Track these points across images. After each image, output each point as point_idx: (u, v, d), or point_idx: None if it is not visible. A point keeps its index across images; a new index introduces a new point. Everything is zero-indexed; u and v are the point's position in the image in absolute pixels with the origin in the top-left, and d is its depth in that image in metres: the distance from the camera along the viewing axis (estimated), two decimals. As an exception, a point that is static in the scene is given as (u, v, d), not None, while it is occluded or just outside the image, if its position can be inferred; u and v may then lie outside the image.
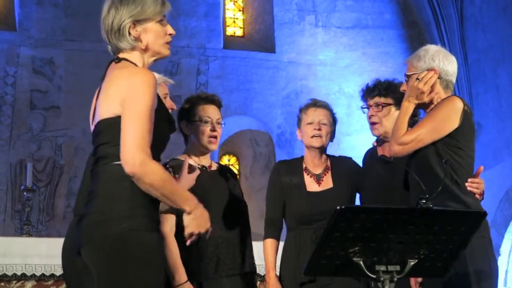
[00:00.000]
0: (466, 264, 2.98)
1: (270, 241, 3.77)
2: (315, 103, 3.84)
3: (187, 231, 2.50)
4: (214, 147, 3.54)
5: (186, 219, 2.47)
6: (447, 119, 3.14)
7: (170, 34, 2.62)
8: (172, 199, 2.42)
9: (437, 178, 3.04)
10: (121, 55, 2.57)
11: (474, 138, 3.23)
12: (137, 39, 2.55)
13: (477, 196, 3.16)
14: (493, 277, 3.06)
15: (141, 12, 2.53)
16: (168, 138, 2.62)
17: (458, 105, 3.16)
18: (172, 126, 2.66)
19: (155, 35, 2.57)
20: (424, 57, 3.26)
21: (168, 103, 3.25)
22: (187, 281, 3.23)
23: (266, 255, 3.77)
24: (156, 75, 3.22)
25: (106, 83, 2.50)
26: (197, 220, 2.49)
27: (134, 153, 2.32)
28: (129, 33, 2.53)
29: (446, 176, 3.07)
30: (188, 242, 2.54)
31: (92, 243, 2.37)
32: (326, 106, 3.86)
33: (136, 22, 2.53)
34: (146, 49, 2.58)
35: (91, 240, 2.38)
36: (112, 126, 2.42)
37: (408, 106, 3.24)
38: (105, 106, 2.46)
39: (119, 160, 2.38)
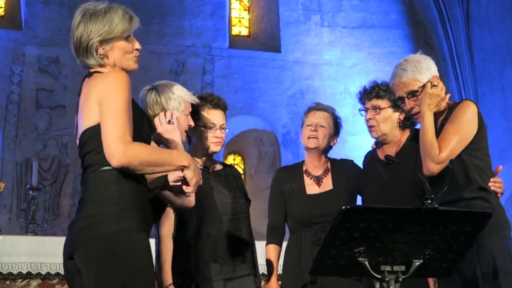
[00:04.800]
0: (491, 263, 2.99)
1: (271, 247, 3.78)
2: (316, 107, 3.84)
3: (193, 182, 2.60)
4: (218, 149, 3.53)
5: (189, 172, 2.58)
6: (470, 125, 3.15)
7: (137, 49, 2.67)
8: (168, 163, 2.53)
9: (462, 186, 3.08)
10: (92, 70, 2.63)
11: (487, 137, 3.24)
12: (104, 56, 2.61)
13: (498, 195, 3.18)
14: None
15: (109, 31, 2.60)
16: (149, 138, 2.69)
17: (473, 109, 3.18)
18: (151, 127, 2.76)
19: (122, 52, 2.63)
20: (421, 68, 3.25)
21: (189, 121, 3.25)
22: (171, 284, 3.22)
23: (267, 261, 3.78)
24: (185, 91, 3.22)
25: (83, 96, 2.58)
26: (196, 170, 2.61)
27: (115, 145, 2.40)
28: (96, 51, 2.60)
29: (472, 182, 3.10)
30: (193, 191, 2.66)
31: (84, 247, 2.44)
32: (327, 110, 3.83)
33: (103, 41, 2.60)
34: (114, 65, 2.63)
35: (82, 244, 2.45)
36: (96, 134, 2.49)
37: (430, 116, 3.19)
38: (86, 116, 2.53)
39: (105, 166, 2.47)
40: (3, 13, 9.45)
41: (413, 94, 3.26)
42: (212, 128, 3.48)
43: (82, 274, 2.46)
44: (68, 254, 2.53)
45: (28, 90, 8.83)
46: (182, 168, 2.57)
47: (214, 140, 3.49)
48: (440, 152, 3.11)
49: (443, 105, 3.23)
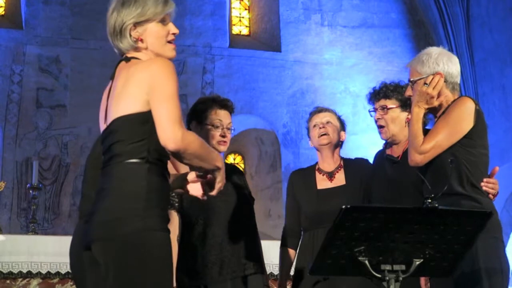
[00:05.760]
0: (477, 263, 2.98)
1: (285, 250, 3.80)
2: (318, 109, 3.90)
3: (219, 186, 2.58)
4: (223, 148, 3.55)
5: (220, 175, 2.56)
6: (462, 120, 3.12)
7: (173, 34, 2.62)
8: (208, 160, 2.49)
9: (453, 179, 3.06)
10: (129, 55, 2.59)
11: (487, 136, 3.23)
12: (139, 40, 2.57)
13: (490, 196, 3.16)
14: (504, 274, 3.06)
15: (141, 14, 2.55)
16: None
17: (470, 105, 3.15)
18: None
19: (155, 36, 2.58)
20: (427, 62, 3.23)
21: None
22: (174, 287, 3.23)
23: (280, 262, 3.81)
24: None
25: (121, 81, 2.51)
26: (224, 174, 2.59)
27: (173, 129, 2.35)
28: (130, 35, 2.56)
29: (462, 176, 3.09)
30: (215, 194, 2.62)
31: (106, 240, 2.38)
32: (328, 110, 3.89)
33: (136, 23, 2.56)
34: (147, 50, 2.59)
35: (104, 237, 2.38)
36: (131, 123, 2.43)
37: (419, 112, 3.21)
38: (123, 104, 2.46)
39: (134, 158, 2.41)
40: (3, 12, 9.46)
41: (411, 82, 3.28)
42: (218, 127, 3.51)
43: (100, 266, 2.41)
44: (85, 244, 2.47)
45: (28, 89, 8.84)
46: (215, 169, 2.55)
47: (220, 139, 3.51)
48: (424, 143, 3.12)
49: (435, 103, 3.22)
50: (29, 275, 4.76)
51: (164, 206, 2.47)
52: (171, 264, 2.48)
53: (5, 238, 4.84)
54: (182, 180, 2.74)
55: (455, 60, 3.29)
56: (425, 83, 3.19)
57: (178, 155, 2.39)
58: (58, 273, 4.77)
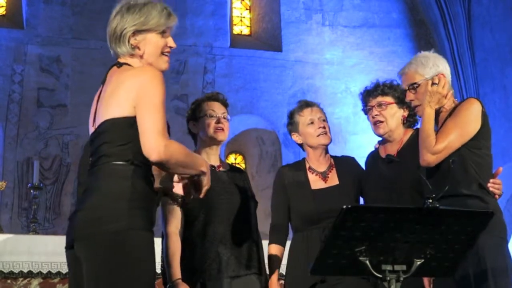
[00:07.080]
0: (484, 263, 2.99)
1: (274, 247, 3.71)
2: (308, 104, 3.83)
3: (206, 188, 2.65)
4: (222, 137, 3.54)
5: (205, 179, 2.63)
6: (471, 122, 3.16)
7: (170, 47, 2.67)
8: (193, 167, 2.57)
9: (461, 180, 3.08)
10: (121, 60, 2.63)
11: (491, 138, 3.25)
12: (136, 47, 2.62)
13: (496, 196, 3.18)
14: (509, 275, 3.06)
15: (144, 22, 2.61)
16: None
17: (477, 107, 3.19)
18: None
19: (153, 46, 2.64)
20: (427, 63, 3.30)
21: None
22: (179, 278, 3.23)
23: (269, 260, 3.71)
24: None
25: (111, 86, 2.56)
26: (209, 177, 2.66)
27: (156, 140, 2.41)
28: (129, 41, 2.61)
29: (470, 178, 3.11)
30: (202, 196, 2.70)
31: (89, 239, 2.41)
32: (317, 104, 3.85)
33: (137, 31, 2.61)
34: (142, 58, 2.63)
35: (88, 234, 2.41)
36: (119, 126, 2.49)
37: (431, 112, 3.23)
38: (112, 107, 2.52)
39: (120, 160, 2.47)
40: (4, 12, 9.46)
41: (413, 86, 3.30)
42: (213, 116, 3.53)
43: (82, 264, 2.43)
44: (68, 243, 2.50)
45: (29, 89, 8.84)
46: (200, 174, 2.61)
47: (215, 126, 3.52)
48: (436, 143, 3.13)
49: (445, 102, 3.25)
50: (30, 275, 4.75)
51: (148, 207, 2.51)
52: (153, 264, 2.50)
53: (6, 237, 4.84)
54: (169, 180, 2.82)
55: (446, 61, 3.39)
56: (433, 83, 3.22)
57: (161, 165, 2.46)
58: (59, 273, 4.76)
